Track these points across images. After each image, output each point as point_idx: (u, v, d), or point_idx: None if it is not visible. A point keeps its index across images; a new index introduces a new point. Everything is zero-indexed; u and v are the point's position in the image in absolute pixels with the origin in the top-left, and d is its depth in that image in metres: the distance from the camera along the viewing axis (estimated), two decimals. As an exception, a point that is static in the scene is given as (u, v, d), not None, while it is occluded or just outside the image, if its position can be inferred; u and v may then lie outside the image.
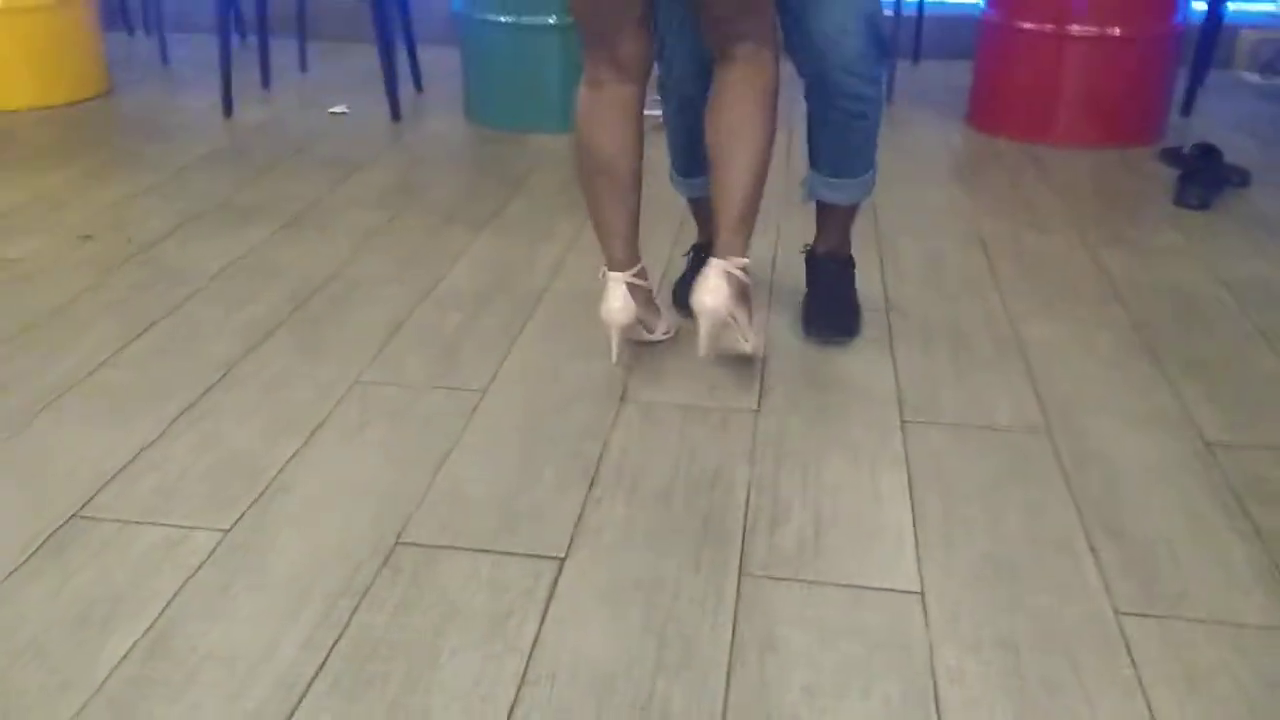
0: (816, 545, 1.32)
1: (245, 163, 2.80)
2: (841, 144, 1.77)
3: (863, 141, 1.79)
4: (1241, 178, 2.64)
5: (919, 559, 1.30)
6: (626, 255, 1.70)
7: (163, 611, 1.19)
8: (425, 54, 3.66)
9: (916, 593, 1.24)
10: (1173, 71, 3.02)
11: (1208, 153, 2.72)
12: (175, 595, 1.22)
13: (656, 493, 1.42)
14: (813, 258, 1.95)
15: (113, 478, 1.44)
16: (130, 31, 4.36)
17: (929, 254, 2.24)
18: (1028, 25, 2.95)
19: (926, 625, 1.19)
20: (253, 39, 4.05)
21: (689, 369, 1.75)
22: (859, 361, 1.79)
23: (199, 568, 1.27)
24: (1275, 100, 3.54)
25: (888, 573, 1.28)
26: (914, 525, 1.36)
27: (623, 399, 1.66)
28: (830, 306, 1.88)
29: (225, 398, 1.65)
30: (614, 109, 1.62)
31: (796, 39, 1.68)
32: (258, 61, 3.63)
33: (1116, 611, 1.22)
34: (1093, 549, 1.32)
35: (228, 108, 3.19)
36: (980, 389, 1.70)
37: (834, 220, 1.90)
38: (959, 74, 3.49)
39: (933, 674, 1.12)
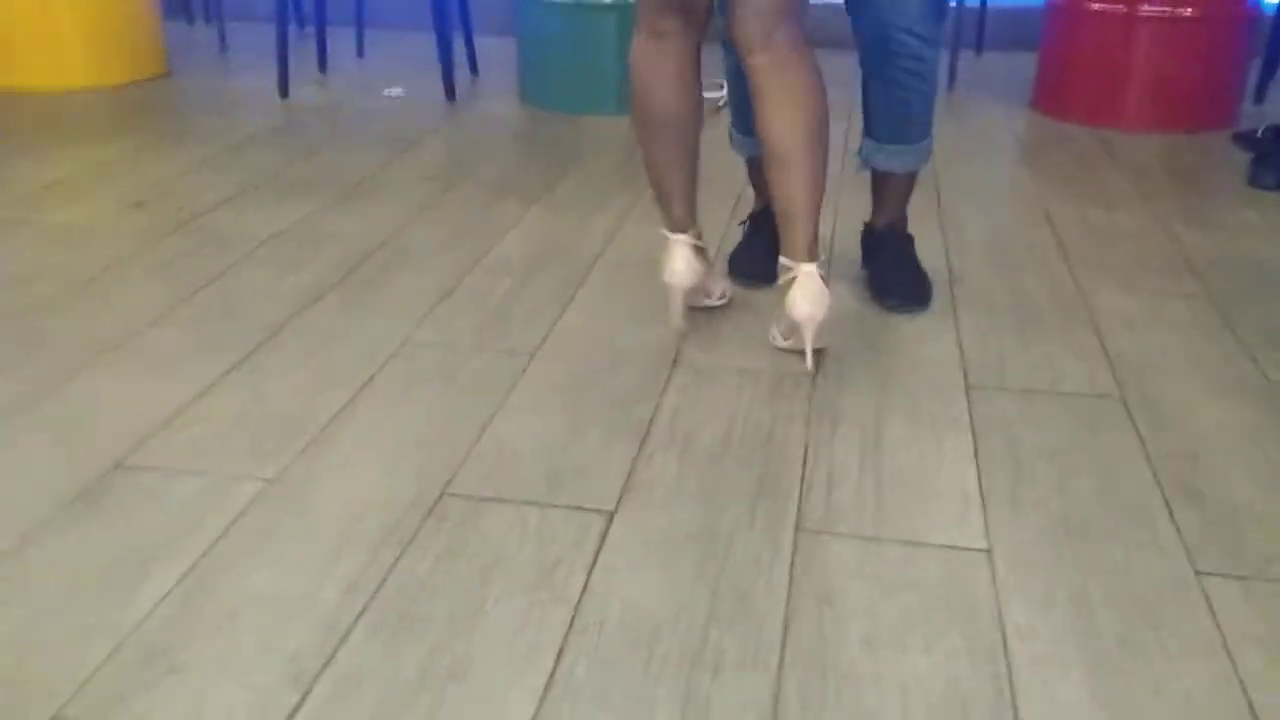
0: (877, 502, 1.27)
1: (299, 140, 2.80)
2: (900, 108, 1.72)
3: (921, 105, 1.74)
4: (1320, 157, 2.54)
5: (985, 517, 1.24)
6: (686, 215, 1.66)
7: (201, 557, 1.17)
8: (482, 43, 3.66)
9: (983, 550, 1.18)
10: (1245, 56, 2.92)
11: (1283, 134, 2.62)
12: (215, 542, 1.19)
13: (709, 451, 1.38)
14: (872, 233, 1.89)
15: (155, 430, 1.42)
16: (190, 20, 4.41)
17: (992, 228, 2.17)
18: (1097, 5, 2.86)
19: (994, 581, 1.13)
20: (311, 28, 4.08)
21: (743, 335, 1.70)
22: (920, 329, 1.73)
23: (240, 515, 1.24)
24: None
25: (952, 530, 1.22)
26: (979, 485, 1.30)
27: (675, 363, 1.61)
28: (902, 276, 1.82)
29: (272, 355, 1.63)
30: (675, 60, 1.58)
31: (860, 6, 1.64)
32: (315, 48, 3.65)
33: (1198, 572, 1.14)
34: (1170, 511, 1.25)
35: (284, 89, 3.21)
36: (1048, 356, 1.64)
37: (892, 191, 1.85)
38: (1023, 65, 3.41)
39: (1001, 628, 1.06)
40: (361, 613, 1.08)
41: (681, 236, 1.65)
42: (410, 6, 4.24)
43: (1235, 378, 1.57)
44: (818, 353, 1.60)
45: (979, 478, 1.32)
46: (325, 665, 1.01)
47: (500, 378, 1.56)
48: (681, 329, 1.69)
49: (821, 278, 1.55)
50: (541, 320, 1.75)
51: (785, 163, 1.53)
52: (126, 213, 2.25)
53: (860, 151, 1.81)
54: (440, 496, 1.28)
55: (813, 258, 1.54)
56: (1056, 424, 1.44)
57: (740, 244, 1.94)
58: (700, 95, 1.63)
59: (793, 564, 1.16)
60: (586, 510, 1.25)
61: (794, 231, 1.54)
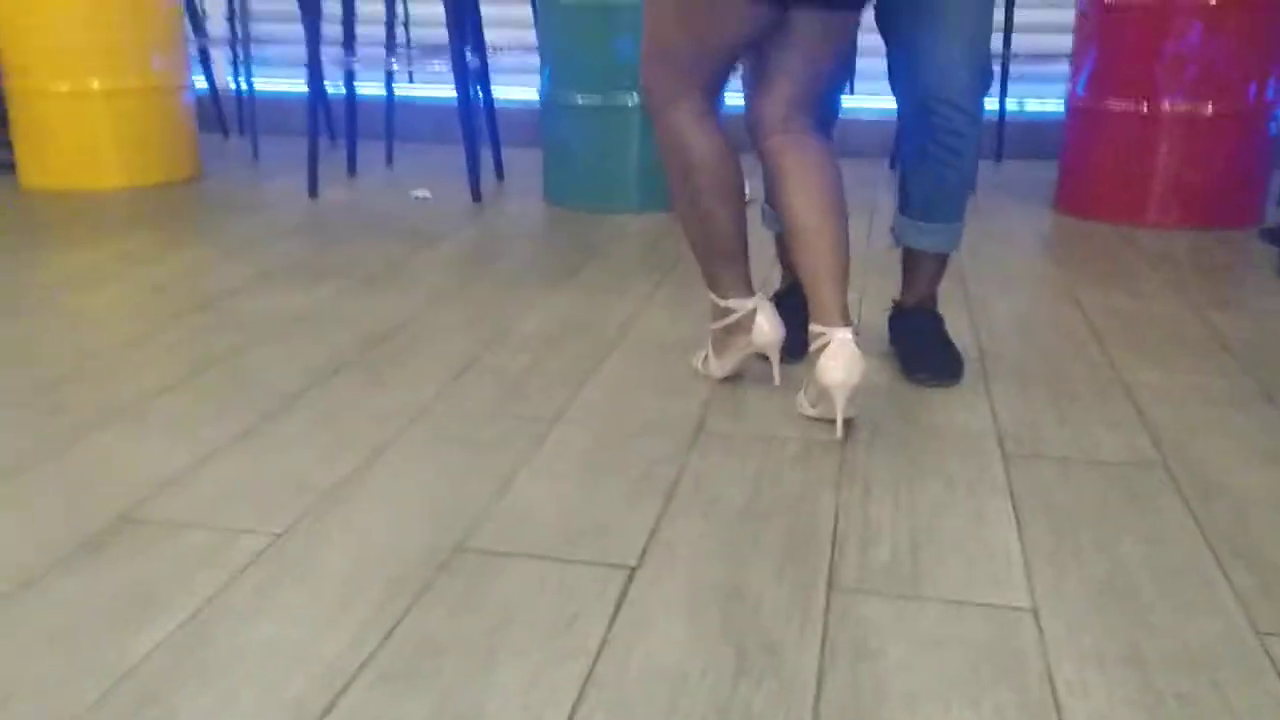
0: (914, 562, 1.20)
1: (324, 233, 2.82)
2: (937, 184, 1.71)
3: (958, 184, 1.73)
4: (1350, 253, 2.51)
5: (1029, 577, 1.17)
6: (747, 279, 1.67)
7: (202, 607, 1.11)
8: (509, 153, 3.73)
9: (1028, 609, 1.11)
10: (1268, 154, 2.92)
11: (1312, 228, 2.60)
12: (218, 592, 1.14)
13: (736, 511, 1.32)
14: (901, 310, 1.87)
15: (162, 487, 1.38)
16: (225, 134, 4.53)
17: (1021, 312, 2.14)
18: (1118, 105, 2.89)
19: (1041, 639, 1.06)
20: (342, 140, 4.17)
21: (771, 406, 1.65)
22: (952, 400, 1.68)
23: (246, 567, 1.19)
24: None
25: (995, 589, 1.15)
26: (1021, 546, 1.24)
27: (700, 429, 1.57)
28: (933, 350, 1.79)
29: (284, 422, 1.59)
30: (704, 117, 1.59)
31: (902, 68, 1.65)
32: (345, 158, 3.72)
33: (1258, 632, 1.07)
34: (1225, 573, 1.18)
35: (313, 189, 3.26)
36: (1086, 426, 1.58)
37: (922, 270, 1.82)
38: (1043, 171, 3.43)
39: (1051, 685, 0.98)
40: (367, 662, 1.02)
41: (754, 299, 1.66)
42: (439, 120, 4.35)
43: (1277, 449, 1.51)
44: (848, 422, 1.55)
45: (1020, 539, 1.25)
46: (326, 712, 0.95)
47: (520, 442, 1.52)
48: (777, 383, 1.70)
49: (854, 348, 1.51)
50: (562, 392, 1.71)
51: (807, 233, 1.54)
52: (148, 295, 2.25)
53: (894, 228, 1.80)
54: (455, 551, 1.22)
55: (846, 322, 1.52)
56: (1097, 490, 1.38)
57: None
58: (737, 151, 1.62)
59: (825, 621, 1.09)
60: (607, 566, 1.19)
61: (823, 296, 1.52)
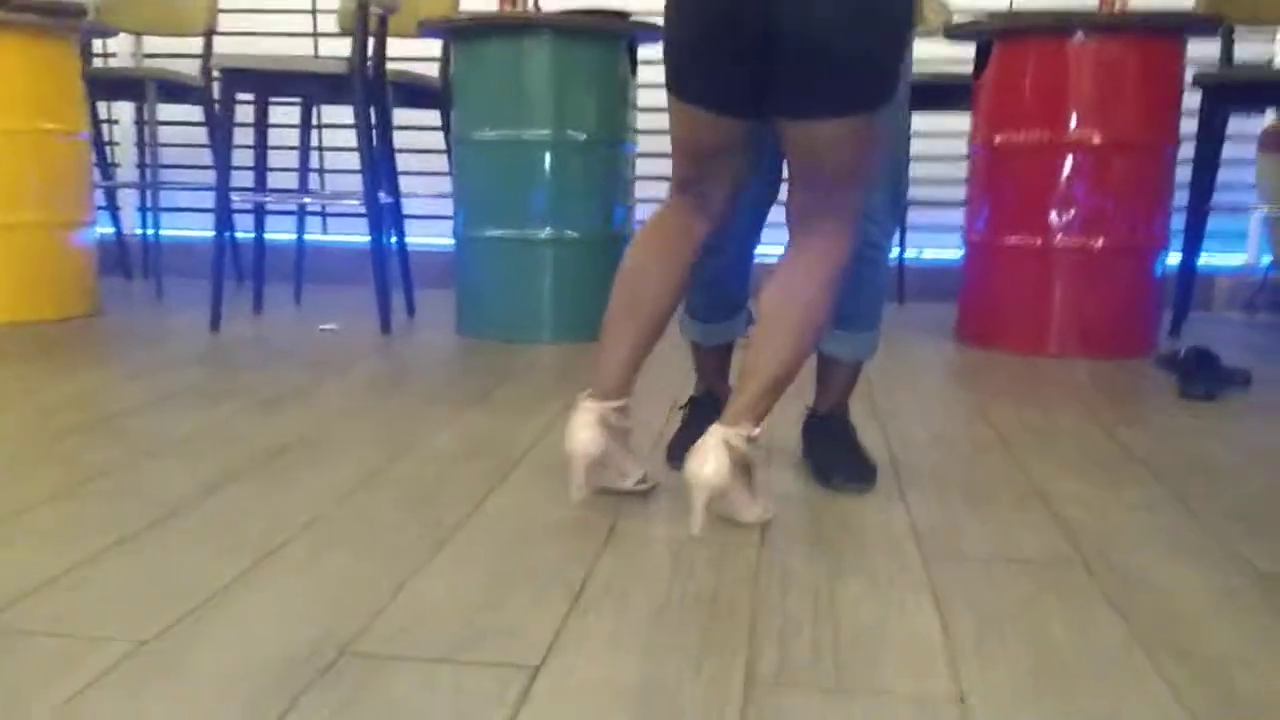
0: (836, 655, 1.14)
1: (226, 362, 2.73)
2: (853, 294, 1.70)
3: (872, 293, 1.74)
4: (1244, 378, 2.59)
5: (956, 667, 1.11)
6: (617, 385, 1.57)
7: (50, 718, 0.99)
8: (421, 294, 3.70)
9: (956, 699, 1.05)
10: (1159, 287, 3.04)
11: (1204, 355, 2.68)
12: (68, 700, 1.02)
13: (648, 609, 1.24)
14: (814, 417, 1.85)
15: (22, 596, 1.26)
16: (129, 276, 4.44)
17: (932, 426, 2.14)
18: (1013, 239, 3.00)
19: (973, 725, 0.99)
20: (249, 282, 4.11)
21: (682, 513, 1.59)
22: (868, 505, 1.64)
23: (103, 674, 1.07)
24: (1263, 331, 3.56)
25: (921, 680, 1.08)
26: (946, 639, 1.18)
27: (611, 532, 1.50)
28: (846, 455, 1.76)
29: (169, 529, 1.48)
30: (675, 231, 1.58)
31: None
32: (252, 295, 3.66)
33: (1195, 718, 1.02)
34: (1154, 662, 1.14)
35: (215, 323, 3.18)
36: (1005, 528, 1.55)
37: (836, 378, 1.82)
38: (944, 311, 3.52)
39: (987, 768, 0.92)
40: (236, 767, 0.91)
41: (593, 404, 1.55)
42: (350, 263, 4.33)
43: (1198, 547, 1.49)
44: (766, 525, 1.49)
45: (945, 632, 1.20)
46: (183, 820, 0.83)
47: (420, 547, 1.43)
48: (579, 501, 1.57)
49: (744, 454, 1.45)
50: (468, 500, 1.63)
51: (767, 324, 1.49)
52: (36, 417, 2.13)
53: None
54: (340, 654, 1.12)
55: (730, 423, 1.45)
56: (1020, 586, 1.34)
57: (679, 429, 1.87)
58: (684, 279, 1.60)
59: (745, 716, 1.01)
60: (508, 666, 1.10)
61: (740, 388, 1.48)
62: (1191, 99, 3.15)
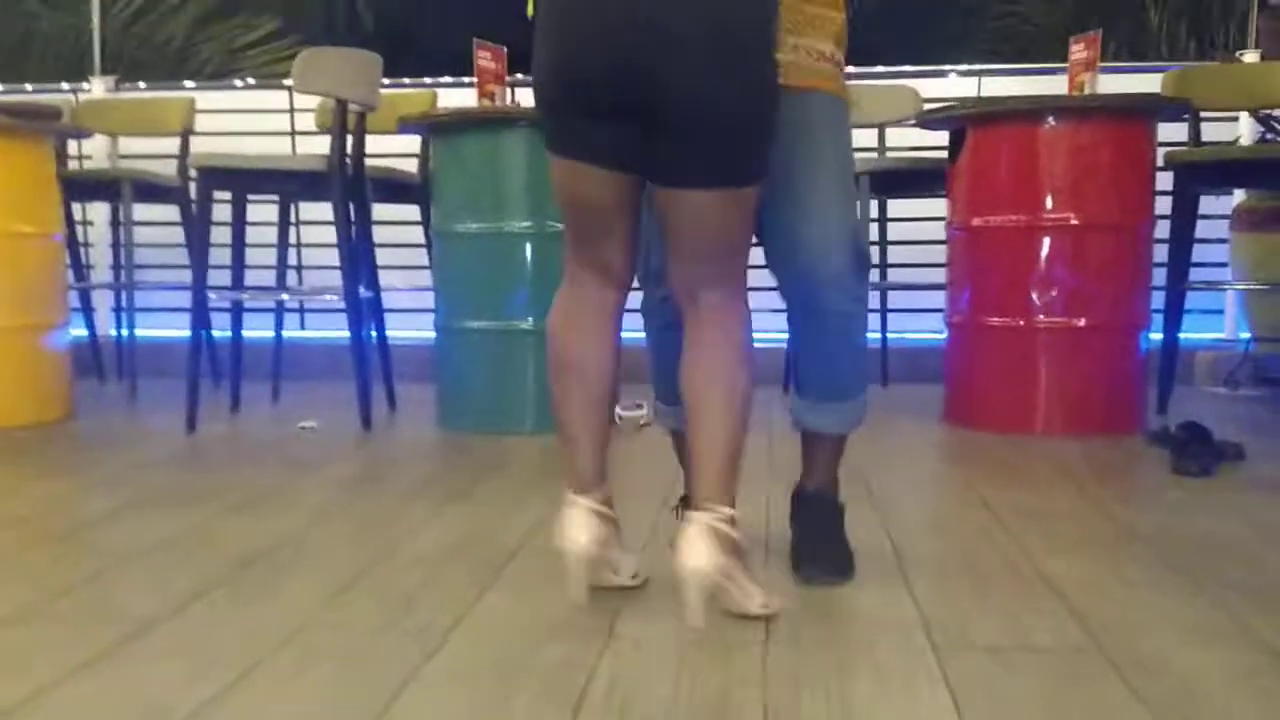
0: (852, 758, 1.08)
1: (200, 463, 2.67)
2: (828, 364, 1.69)
3: (850, 361, 1.71)
4: (1237, 451, 2.57)
5: (980, 768, 1.06)
6: (593, 476, 1.53)
7: None
8: (402, 388, 3.65)
9: (985, 801, 0.99)
10: (1143, 363, 3.04)
11: (1196, 429, 2.66)
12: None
13: (655, 715, 1.18)
14: (800, 495, 1.81)
15: (-9, 720, 1.19)
16: (102, 379, 4.37)
17: (929, 511, 2.10)
18: (995, 320, 3.00)
19: (1006, 832, 0.94)
20: (226, 381, 4.05)
21: (681, 607, 1.54)
22: (873, 595, 1.59)
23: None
24: (1247, 405, 3.56)
25: (945, 782, 1.03)
26: (966, 736, 1.13)
27: (611, 634, 1.44)
28: (821, 547, 1.70)
29: (141, 647, 1.41)
30: (591, 308, 1.54)
31: (777, 253, 1.65)
32: (229, 396, 3.60)
33: (1238, 811, 0.97)
34: (1187, 753, 1.09)
35: (191, 423, 3.11)
36: (1012, 615, 1.50)
37: (821, 452, 1.77)
38: (929, 393, 3.51)
39: None
40: None
41: (583, 499, 1.50)
42: (329, 358, 4.27)
43: (1210, 627, 1.45)
44: (771, 618, 1.44)
45: (964, 729, 1.15)
46: None
47: (410, 656, 1.37)
48: (580, 603, 1.49)
49: (729, 535, 1.40)
50: (457, 603, 1.57)
51: (697, 409, 1.47)
52: (3, 528, 2.05)
53: (791, 410, 1.76)
54: (331, 774, 1.05)
55: (705, 506, 1.41)
56: (1036, 676, 1.29)
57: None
58: (617, 348, 1.57)
59: (762, 827, 0.95)
60: (509, 781, 1.04)
61: (695, 476, 1.46)
62: (1164, 179, 3.20)
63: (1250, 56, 4.17)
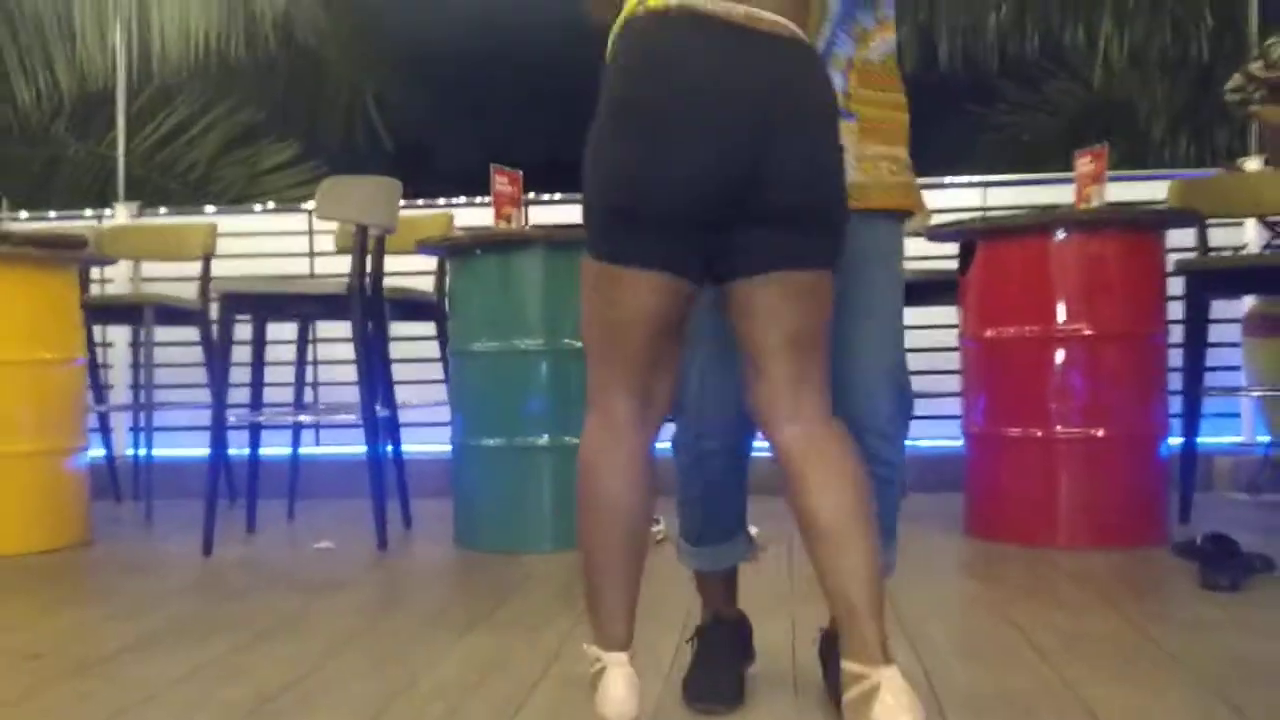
0: None
1: (217, 589, 2.65)
2: None
3: (887, 511, 1.63)
4: (1265, 563, 2.52)
5: None
6: (626, 631, 1.44)
7: None
8: (418, 504, 3.64)
9: None
10: (1164, 473, 3.01)
11: (1223, 541, 2.63)
12: None
13: None
14: (833, 641, 1.71)
15: None
16: (118, 499, 4.36)
17: (959, 634, 2.06)
18: (1013, 432, 2.99)
19: None
20: (242, 500, 4.04)
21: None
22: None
23: None
24: (1271, 511, 3.51)
25: None
26: None
27: (637, 773, 1.40)
28: None
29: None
30: (626, 446, 1.44)
31: None
32: (245, 515, 3.59)
33: None
34: None
35: (208, 547, 3.09)
36: (1052, 748, 1.46)
37: None
38: (949, 502, 3.47)
39: None
40: None
41: (622, 656, 1.42)
42: (344, 475, 4.27)
43: (1261, 759, 1.41)
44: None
45: None
46: None
47: (434, 801, 1.33)
48: None
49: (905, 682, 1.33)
50: (481, 741, 1.54)
51: (842, 546, 1.36)
52: (19, 664, 2.03)
53: None
54: None
55: (889, 659, 1.33)
56: (1082, 816, 1.25)
57: (694, 664, 1.74)
58: (654, 490, 1.49)
59: None
60: None
61: (862, 628, 1.34)
62: (1174, 284, 3.22)
63: (1253, 163, 4.23)
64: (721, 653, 1.75)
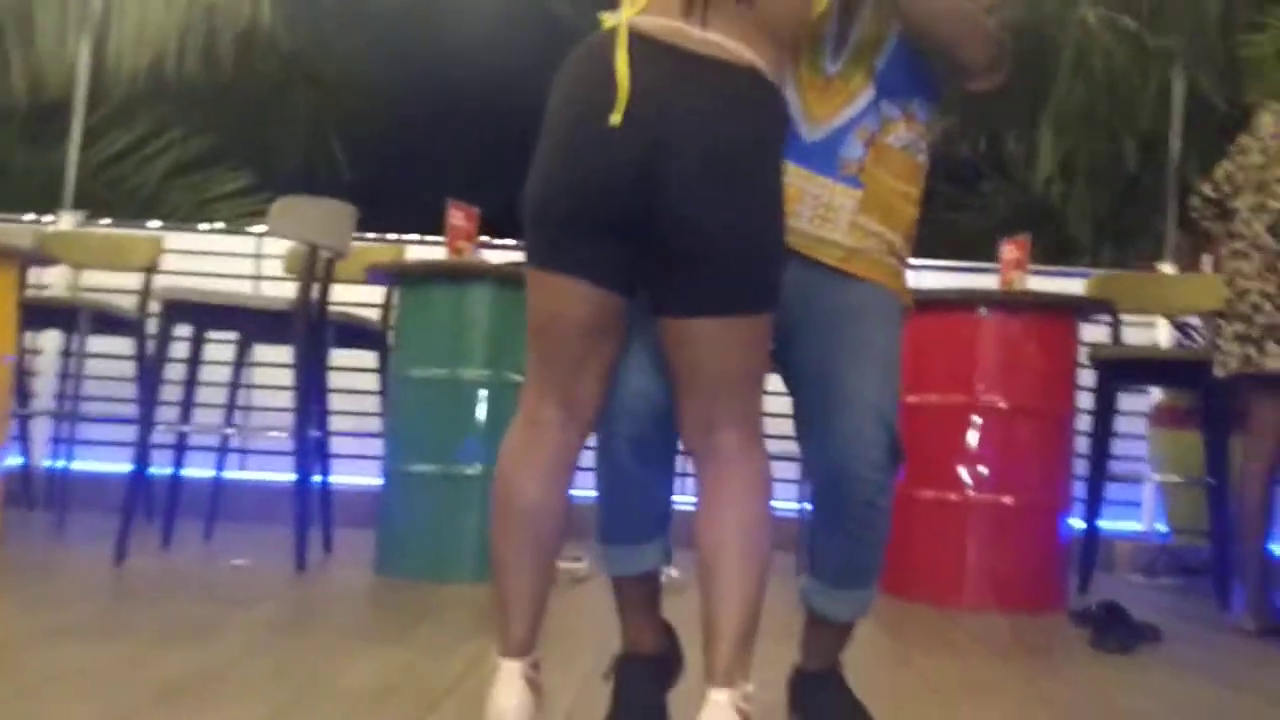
0: None
1: (127, 595, 2.63)
2: (850, 554, 1.62)
3: (871, 554, 1.63)
4: (1154, 633, 2.64)
5: None
6: (527, 637, 1.45)
7: None
8: (340, 532, 3.62)
9: None
10: (1066, 543, 3.14)
11: (1116, 609, 2.73)
12: None
13: None
14: (804, 677, 1.73)
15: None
16: (30, 507, 4.27)
17: (863, 676, 2.10)
18: (926, 494, 3.09)
19: None
20: (159, 519, 3.98)
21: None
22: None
23: None
24: (1166, 593, 3.65)
25: None
26: None
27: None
28: (852, 713, 1.68)
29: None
30: (549, 451, 1.46)
31: (811, 437, 1.58)
32: (160, 530, 3.55)
33: None
34: None
35: (120, 555, 3.05)
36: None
37: (828, 637, 1.71)
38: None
39: None
40: None
41: (515, 663, 1.42)
42: (266, 501, 4.23)
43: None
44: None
45: None
46: None
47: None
48: None
49: (745, 711, 1.36)
50: (385, 740, 1.56)
51: (714, 572, 1.39)
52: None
53: (802, 590, 1.69)
54: None
55: (728, 683, 1.35)
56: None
57: (616, 703, 1.65)
58: (569, 496, 1.51)
59: None
60: None
61: (711, 652, 1.38)
62: (1086, 376, 3.39)
63: (1166, 268, 4.46)
64: (648, 690, 1.66)
